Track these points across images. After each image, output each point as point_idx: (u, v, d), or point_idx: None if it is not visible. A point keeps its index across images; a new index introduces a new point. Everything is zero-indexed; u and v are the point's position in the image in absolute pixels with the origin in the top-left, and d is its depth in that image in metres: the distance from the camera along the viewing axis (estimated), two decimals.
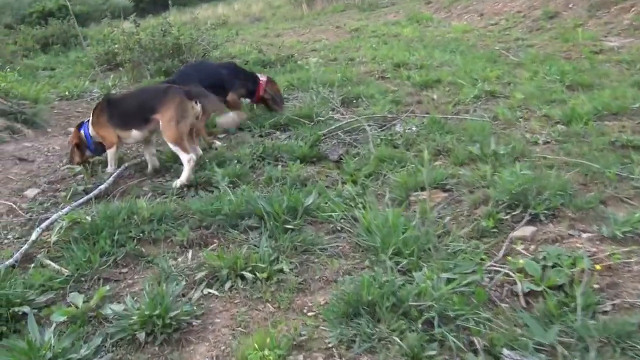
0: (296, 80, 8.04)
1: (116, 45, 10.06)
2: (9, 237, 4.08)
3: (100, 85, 8.64)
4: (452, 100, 6.82)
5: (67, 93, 8.24)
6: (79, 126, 5.38)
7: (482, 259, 3.35)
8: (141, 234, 3.85)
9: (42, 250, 3.82)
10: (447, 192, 4.32)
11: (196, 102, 4.96)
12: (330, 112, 6.57)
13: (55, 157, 5.61)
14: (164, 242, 3.85)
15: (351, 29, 15.85)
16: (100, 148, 5.22)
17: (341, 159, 5.19)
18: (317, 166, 5.11)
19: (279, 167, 4.93)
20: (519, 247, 3.49)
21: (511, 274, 3.21)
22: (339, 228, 3.87)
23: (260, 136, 5.98)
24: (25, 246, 3.74)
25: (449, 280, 3.09)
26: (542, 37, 10.95)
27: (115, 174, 4.88)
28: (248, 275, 3.28)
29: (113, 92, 7.88)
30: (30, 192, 4.80)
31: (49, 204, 4.58)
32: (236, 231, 3.84)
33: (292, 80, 8.06)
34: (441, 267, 3.22)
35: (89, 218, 3.83)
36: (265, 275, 3.26)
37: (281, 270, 3.34)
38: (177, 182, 4.76)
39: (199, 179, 4.69)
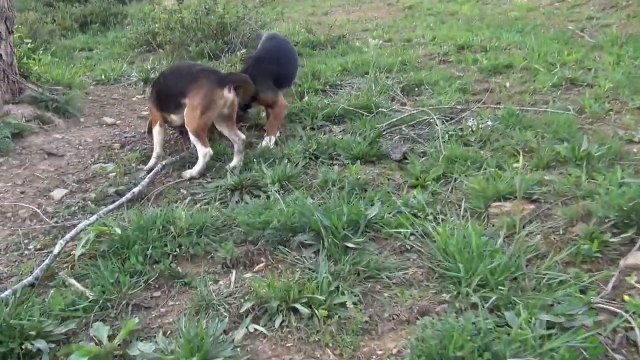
0: (350, 64, 7.38)
1: (156, 25, 9.52)
2: (30, 247, 3.60)
3: (138, 69, 8.13)
4: (527, 88, 6.09)
5: (103, 77, 7.73)
6: None
7: (586, 293, 2.72)
8: (178, 249, 3.32)
9: (65, 265, 3.32)
10: (534, 203, 3.67)
11: (230, 90, 4.49)
12: (390, 101, 5.92)
13: (86, 151, 5.11)
14: (204, 259, 3.30)
15: (405, 6, 14.99)
16: None
17: (405, 158, 4.56)
18: (377, 166, 4.49)
19: (335, 167, 4.33)
20: (633, 280, 2.84)
21: (626, 315, 2.58)
22: (408, 247, 3.27)
23: (312, 129, 5.37)
24: (47, 261, 3.24)
25: (549, 324, 2.50)
26: (618, 15, 10.01)
27: (150, 174, 4.34)
28: (303, 309, 2.71)
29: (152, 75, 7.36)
30: (57, 193, 4.31)
31: (76, 207, 4.08)
32: (287, 249, 3.27)
33: (345, 65, 7.40)
34: (538, 305, 2.61)
35: (118, 230, 3.29)
36: (324, 311, 2.68)
37: (343, 305, 2.76)
38: (187, 173, 4.48)
39: (245, 180, 4.11)
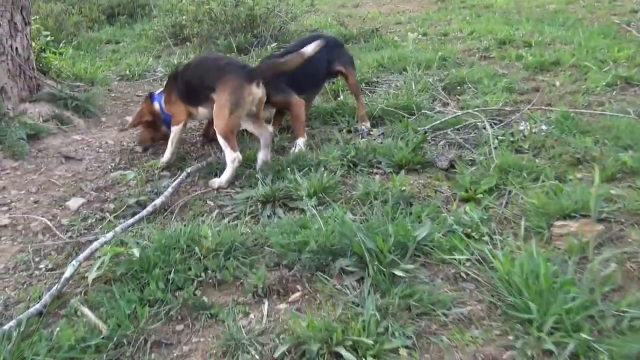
0: (386, 60, 6.95)
1: (184, 17, 9.15)
2: (40, 266, 3.26)
3: (165, 63, 7.78)
4: (578, 88, 5.63)
5: (127, 72, 7.39)
6: (150, 97, 4.74)
7: None
8: (203, 274, 2.95)
9: (78, 289, 2.97)
10: (602, 223, 3.23)
11: (258, 85, 4.18)
12: (432, 101, 5.49)
13: (107, 154, 4.76)
14: (233, 285, 2.93)
15: None
16: None
17: (452, 166, 4.15)
18: (421, 176, 4.08)
19: (376, 177, 3.93)
20: None
21: None
22: (463, 274, 2.86)
23: (349, 131, 4.97)
24: (57, 286, 2.90)
25: None
26: None
27: (174, 183, 3.97)
28: (348, 356, 2.32)
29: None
30: (74, 203, 3.97)
31: (93, 219, 3.74)
32: (327, 275, 2.88)
33: (381, 60, 6.98)
34: (623, 353, 2.20)
35: (137, 252, 2.92)
36: (373, 359, 2.29)
37: (395, 350, 2.36)
38: (215, 182, 4.09)
39: (277, 192, 3.73)
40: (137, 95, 6.42)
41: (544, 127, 4.54)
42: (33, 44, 5.62)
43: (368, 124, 5.03)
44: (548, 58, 6.58)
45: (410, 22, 11.05)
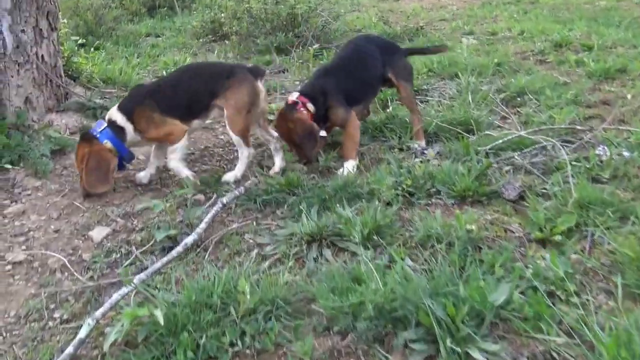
0: (436, 65, 6.43)
1: (222, 14, 8.71)
2: (56, 316, 2.87)
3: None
4: None
5: (164, 73, 6.96)
6: (88, 139, 4.01)
7: None
8: (239, 341, 2.50)
9: (95, 352, 2.56)
10: None
11: (261, 81, 4.25)
12: (490, 115, 4.97)
13: (137, 171, 4.35)
14: (275, 355, 2.48)
15: None
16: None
17: (521, 197, 3.65)
18: (487, 209, 3.58)
19: (437, 212, 3.43)
20: None
21: None
22: (555, 355, 2.37)
23: (400, 150, 4.48)
24: (70, 349, 2.48)
25: None
26: None
27: (208, 215, 3.53)
28: None
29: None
30: (98, 233, 3.56)
31: (118, 254, 3.33)
32: (386, 352, 2.41)
33: (430, 64, 6.46)
34: None
35: (160, 318, 2.47)
36: None
37: None
38: (230, 176, 4.15)
39: (324, 229, 3.27)
40: None
41: (626, 153, 3.99)
42: (62, 48, 5.22)
43: (423, 143, 4.56)
44: (612, 65, 5.98)
45: (455, 19, 10.50)
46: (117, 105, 4.10)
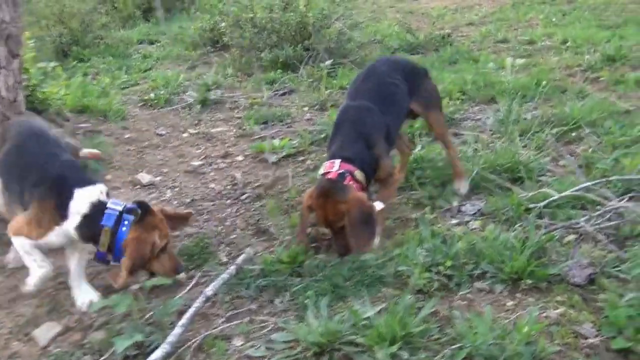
0: (470, 85, 5.53)
1: (223, 24, 7.84)
2: None
3: (197, 83, 6.51)
4: None
5: (152, 95, 6.17)
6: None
7: None
8: None
9: None
10: None
11: None
12: (542, 158, 4.07)
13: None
14: None
15: None
16: None
17: (592, 280, 2.80)
18: (548, 297, 2.73)
19: (486, 309, 2.57)
20: None
21: None
22: None
23: (432, 209, 3.60)
24: None
25: None
26: None
27: (186, 316, 2.69)
28: None
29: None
30: (44, 333, 2.76)
31: None
32: None
33: (462, 84, 5.57)
34: None
35: None
36: None
37: None
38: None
39: (338, 335, 2.43)
40: (158, 134, 5.19)
41: None
42: (26, 76, 4.43)
43: (465, 185, 3.73)
44: None
45: (484, 23, 9.61)
46: None
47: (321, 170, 3.31)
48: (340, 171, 3.20)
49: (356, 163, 3.25)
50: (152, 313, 2.79)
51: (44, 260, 2.91)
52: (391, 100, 3.58)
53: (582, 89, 5.42)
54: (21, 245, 2.88)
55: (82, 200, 2.82)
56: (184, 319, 2.65)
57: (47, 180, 2.87)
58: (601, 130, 4.39)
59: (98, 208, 2.83)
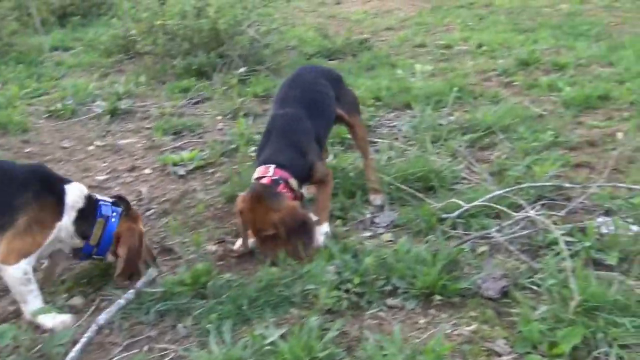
0: (385, 92, 5.47)
1: (133, 31, 7.54)
2: None
3: (107, 92, 6.23)
4: None
5: (59, 105, 5.83)
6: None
7: None
8: None
9: None
10: None
11: None
12: (455, 166, 4.01)
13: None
14: None
15: None
16: None
17: (506, 293, 2.73)
18: (461, 312, 2.66)
19: (396, 328, 2.46)
20: None
21: None
22: None
23: (343, 219, 3.49)
24: None
25: None
26: None
27: (79, 346, 2.46)
28: None
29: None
30: None
31: None
32: None
33: (377, 91, 5.50)
34: None
35: None
36: None
37: None
38: None
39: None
40: (63, 147, 4.90)
41: (634, 227, 3.09)
42: None
43: (381, 197, 3.65)
44: (592, 91, 5.10)
45: (402, 28, 9.62)
46: None
47: (255, 175, 3.20)
48: (275, 177, 3.11)
49: (290, 170, 3.16)
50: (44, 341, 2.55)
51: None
52: (319, 107, 3.51)
53: (496, 94, 5.44)
54: (23, 271, 2.67)
55: (75, 195, 2.82)
56: (73, 352, 2.43)
57: (30, 184, 2.73)
58: (514, 136, 4.39)
59: (91, 201, 2.87)
